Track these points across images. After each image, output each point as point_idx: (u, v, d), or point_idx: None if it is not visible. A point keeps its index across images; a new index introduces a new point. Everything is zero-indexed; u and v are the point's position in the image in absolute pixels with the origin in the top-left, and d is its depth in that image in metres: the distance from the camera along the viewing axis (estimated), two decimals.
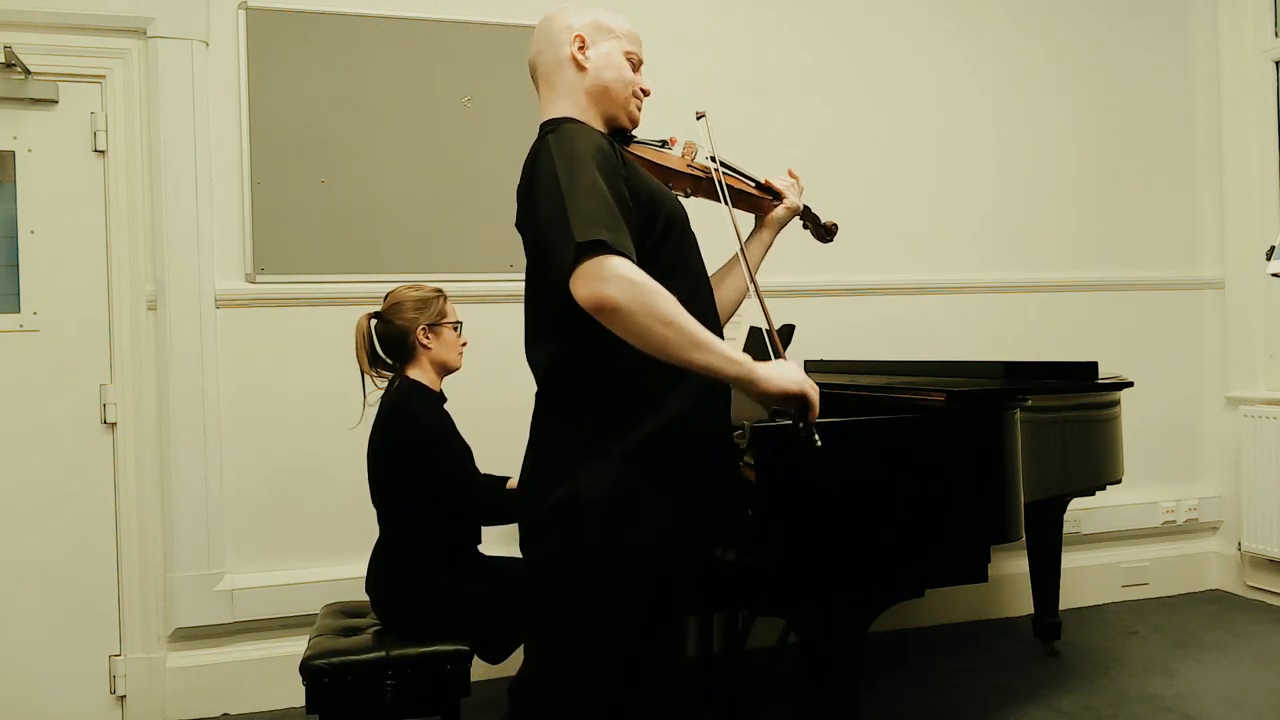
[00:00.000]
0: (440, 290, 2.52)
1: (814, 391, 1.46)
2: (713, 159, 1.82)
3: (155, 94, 2.97)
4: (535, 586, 1.54)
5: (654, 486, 1.48)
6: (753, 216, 1.98)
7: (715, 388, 1.56)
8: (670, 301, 1.37)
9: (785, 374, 1.45)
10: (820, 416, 2.14)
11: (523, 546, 1.57)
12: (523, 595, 1.72)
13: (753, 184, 1.95)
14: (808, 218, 2.12)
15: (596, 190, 1.40)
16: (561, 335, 1.52)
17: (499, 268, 3.17)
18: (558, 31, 1.64)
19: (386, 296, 2.51)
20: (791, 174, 2.00)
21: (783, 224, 1.96)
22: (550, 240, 1.40)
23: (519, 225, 1.56)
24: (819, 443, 1.48)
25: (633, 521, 1.47)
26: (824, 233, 2.17)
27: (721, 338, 1.53)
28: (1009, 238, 3.89)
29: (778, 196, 1.96)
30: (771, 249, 1.98)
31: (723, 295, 1.84)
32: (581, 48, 1.63)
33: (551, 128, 1.54)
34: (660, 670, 1.59)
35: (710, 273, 1.75)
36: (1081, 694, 3.01)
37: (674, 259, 1.56)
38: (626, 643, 1.50)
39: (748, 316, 2.50)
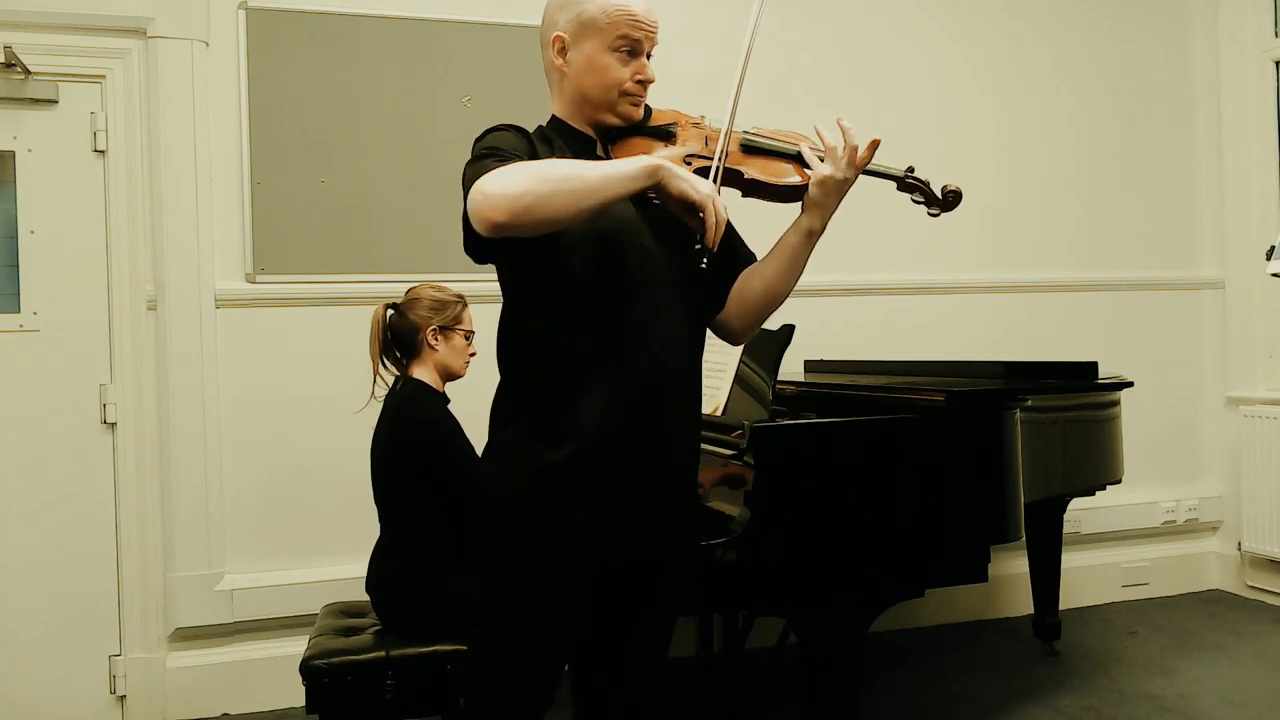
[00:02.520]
0: (462, 297, 2.52)
1: (712, 210, 1.41)
2: (719, 165, 1.57)
3: (155, 94, 2.97)
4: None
5: (556, 500, 1.49)
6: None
7: (625, 402, 1.49)
8: (555, 164, 1.39)
9: (693, 182, 1.42)
10: (820, 417, 2.14)
11: None
12: None
13: (796, 162, 1.64)
14: (907, 188, 1.73)
15: (485, 159, 1.43)
16: (499, 340, 1.60)
17: None
18: (545, 30, 1.59)
19: (408, 291, 2.53)
20: (840, 124, 1.60)
21: (819, 203, 1.60)
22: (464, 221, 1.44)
23: None
24: (704, 264, 1.44)
25: (530, 530, 1.50)
26: (937, 201, 1.73)
27: (668, 374, 1.52)
28: (1009, 237, 3.89)
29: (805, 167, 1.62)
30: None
31: (748, 284, 1.69)
32: (562, 50, 1.56)
33: (480, 136, 1.55)
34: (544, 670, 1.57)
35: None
36: (1081, 694, 3.01)
37: (598, 264, 1.48)
38: (524, 639, 1.53)
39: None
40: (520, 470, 1.51)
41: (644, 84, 1.59)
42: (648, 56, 1.59)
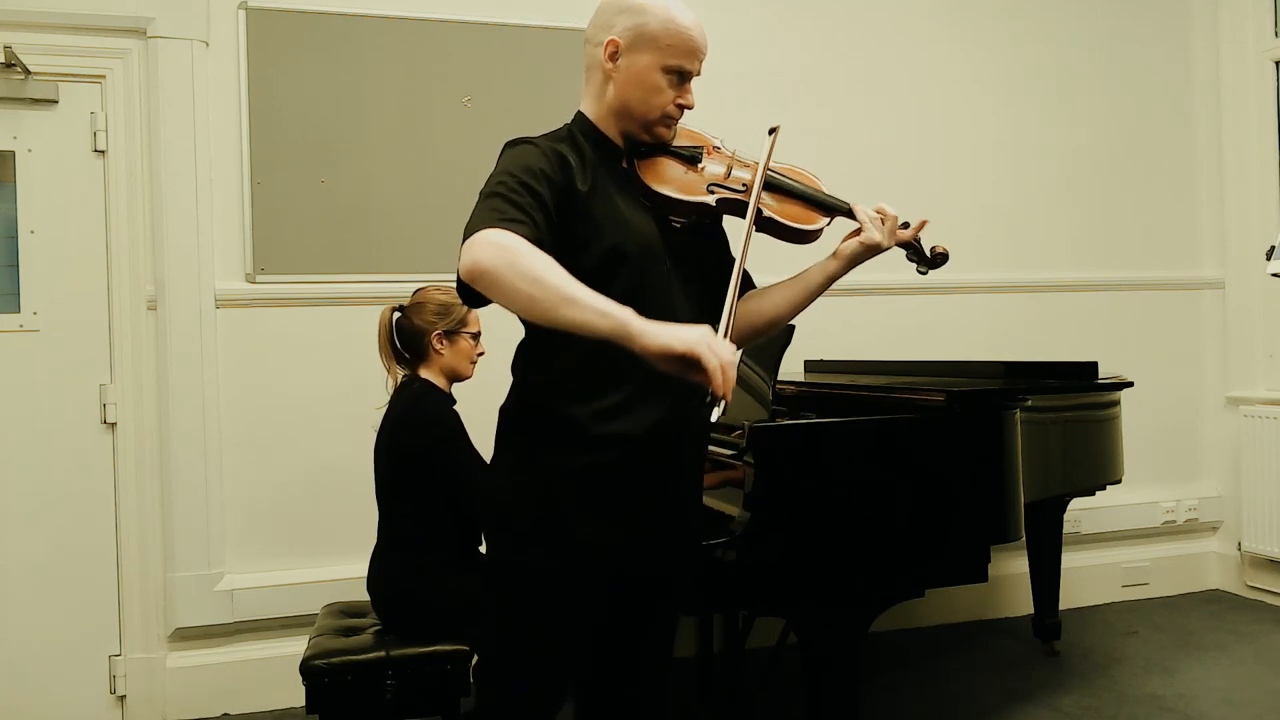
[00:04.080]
0: None
1: (709, 354, 1.26)
2: (743, 188, 1.61)
3: (155, 94, 2.97)
4: (485, 579, 1.63)
5: (572, 506, 1.49)
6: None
7: (646, 405, 1.50)
8: (540, 261, 1.29)
9: (671, 331, 1.27)
10: (820, 416, 2.14)
11: None
12: None
13: (815, 205, 1.70)
14: (909, 249, 1.80)
15: (497, 196, 1.39)
16: (520, 352, 1.60)
17: None
18: (598, 30, 1.56)
19: (415, 293, 2.52)
20: (880, 210, 1.70)
21: (854, 258, 1.68)
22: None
23: None
24: (715, 415, 1.30)
25: (546, 536, 1.49)
26: (925, 261, 1.81)
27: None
28: (1009, 238, 3.89)
29: (853, 220, 1.70)
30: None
31: (757, 305, 1.71)
32: (613, 55, 1.53)
33: (510, 143, 1.52)
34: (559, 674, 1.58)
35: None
36: (1081, 694, 3.01)
37: (624, 291, 1.45)
38: (542, 643, 1.53)
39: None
40: (539, 479, 1.51)
41: (683, 109, 1.59)
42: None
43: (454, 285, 2.52)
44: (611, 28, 1.54)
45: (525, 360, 1.58)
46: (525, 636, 1.53)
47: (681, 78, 1.56)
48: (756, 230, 1.63)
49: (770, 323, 1.73)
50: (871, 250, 1.68)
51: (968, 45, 3.84)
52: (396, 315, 2.50)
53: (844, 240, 1.70)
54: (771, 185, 1.67)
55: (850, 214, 1.70)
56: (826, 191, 1.73)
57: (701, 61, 1.58)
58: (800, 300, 1.70)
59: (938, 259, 1.80)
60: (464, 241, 1.34)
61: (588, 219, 1.48)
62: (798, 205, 1.69)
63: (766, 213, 1.65)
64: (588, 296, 1.28)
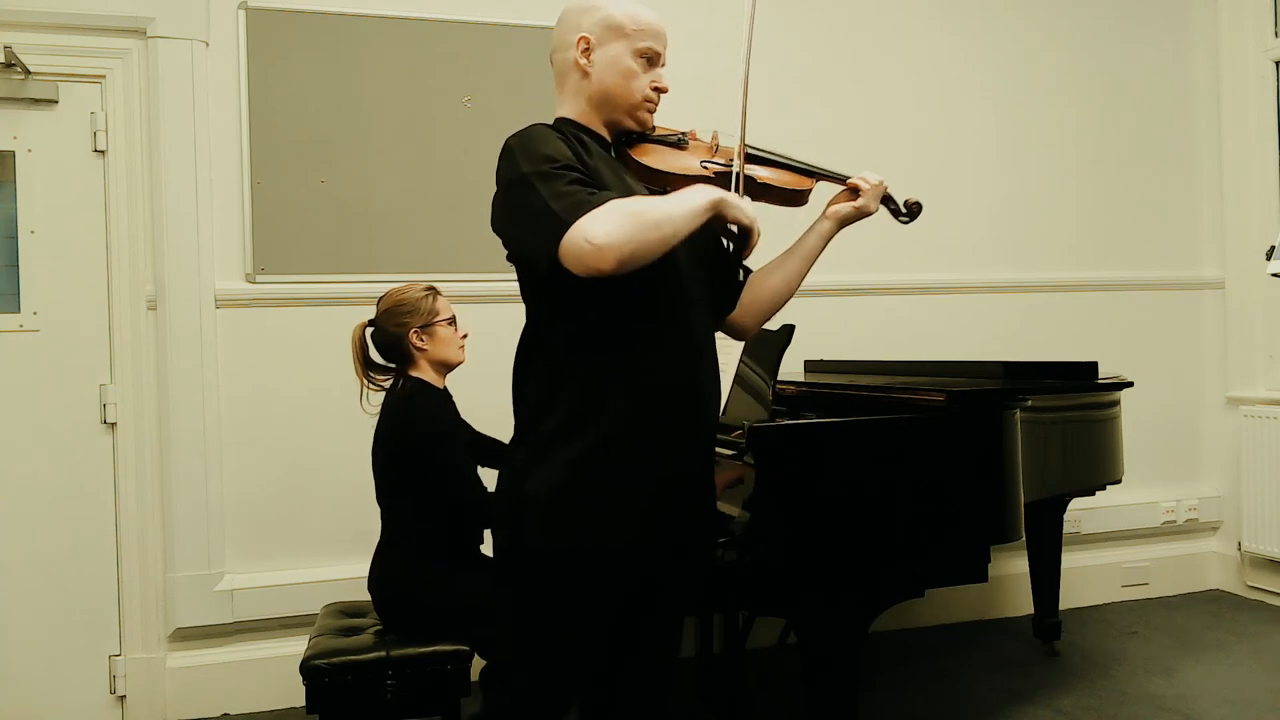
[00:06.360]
0: (431, 287, 2.50)
1: (757, 229, 1.56)
2: (732, 166, 1.69)
3: (155, 94, 2.97)
4: (496, 577, 1.60)
5: (594, 494, 1.49)
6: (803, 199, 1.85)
7: (663, 396, 1.52)
8: (647, 208, 1.40)
9: (744, 205, 1.55)
10: (820, 416, 2.15)
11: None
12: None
13: (800, 172, 1.83)
14: (888, 203, 1.95)
15: (554, 178, 1.43)
16: (528, 337, 1.60)
17: (498, 268, 3.10)
18: (566, 32, 1.61)
19: (378, 301, 2.50)
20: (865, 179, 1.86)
21: (845, 220, 1.84)
22: (527, 241, 1.46)
23: (494, 227, 1.57)
24: (742, 278, 1.68)
25: (569, 525, 1.49)
26: (902, 213, 1.98)
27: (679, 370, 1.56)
28: (1009, 237, 3.89)
29: (853, 190, 1.85)
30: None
31: (765, 283, 1.80)
32: (586, 51, 1.59)
33: (515, 135, 1.53)
34: (604, 668, 1.60)
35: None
36: (1081, 694, 3.01)
37: (653, 290, 1.52)
38: (564, 638, 1.52)
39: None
40: (563, 483, 1.50)
41: (659, 92, 1.66)
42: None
43: (409, 283, 2.55)
44: (579, 28, 1.60)
45: (539, 371, 1.56)
46: (546, 631, 1.52)
47: (650, 62, 1.63)
48: (754, 199, 1.72)
49: (782, 294, 1.82)
50: (863, 211, 1.84)
51: (968, 45, 3.84)
52: (369, 330, 2.48)
53: (831, 203, 1.84)
54: (757, 159, 1.79)
55: (831, 179, 1.86)
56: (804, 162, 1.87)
57: (664, 47, 1.65)
58: (804, 266, 1.82)
59: (912, 208, 1.97)
60: (555, 234, 1.37)
61: (602, 190, 1.50)
62: (781, 170, 1.82)
63: (761, 179, 1.76)
64: (689, 202, 1.45)
